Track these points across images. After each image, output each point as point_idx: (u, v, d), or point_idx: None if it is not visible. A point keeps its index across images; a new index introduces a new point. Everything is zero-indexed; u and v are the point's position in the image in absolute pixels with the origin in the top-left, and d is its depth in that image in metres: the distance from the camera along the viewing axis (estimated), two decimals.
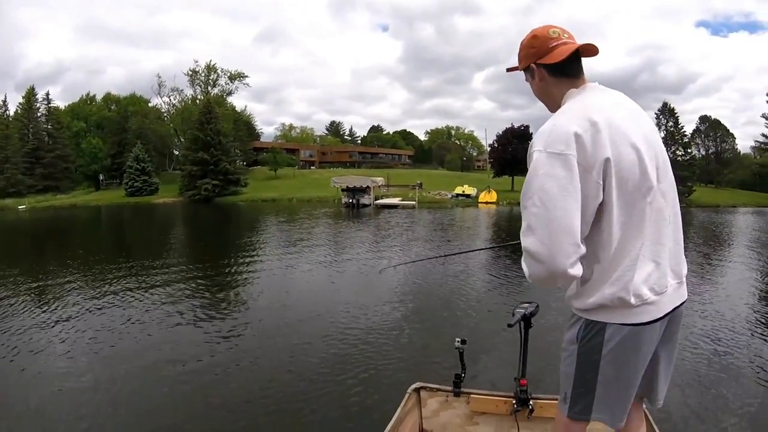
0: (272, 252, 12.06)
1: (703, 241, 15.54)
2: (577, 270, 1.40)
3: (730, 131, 60.90)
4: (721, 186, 54.26)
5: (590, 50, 1.53)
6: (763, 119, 43.83)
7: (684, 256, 1.61)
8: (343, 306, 6.61)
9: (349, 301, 6.93)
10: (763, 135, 45.34)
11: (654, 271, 1.49)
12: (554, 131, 1.41)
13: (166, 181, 48.86)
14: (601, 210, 1.42)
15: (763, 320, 6.08)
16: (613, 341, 1.51)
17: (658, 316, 1.52)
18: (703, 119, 60.48)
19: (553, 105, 1.58)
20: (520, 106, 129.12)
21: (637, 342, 1.52)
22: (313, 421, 3.54)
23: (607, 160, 1.40)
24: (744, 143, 77.36)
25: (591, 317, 1.53)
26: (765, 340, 5.26)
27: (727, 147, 60.27)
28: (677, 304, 1.57)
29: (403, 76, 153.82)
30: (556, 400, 2.34)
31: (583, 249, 1.39)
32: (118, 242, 18.22)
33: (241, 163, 50.54)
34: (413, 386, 2.59)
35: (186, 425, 3.49)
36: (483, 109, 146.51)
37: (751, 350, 4.91)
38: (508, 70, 1.72)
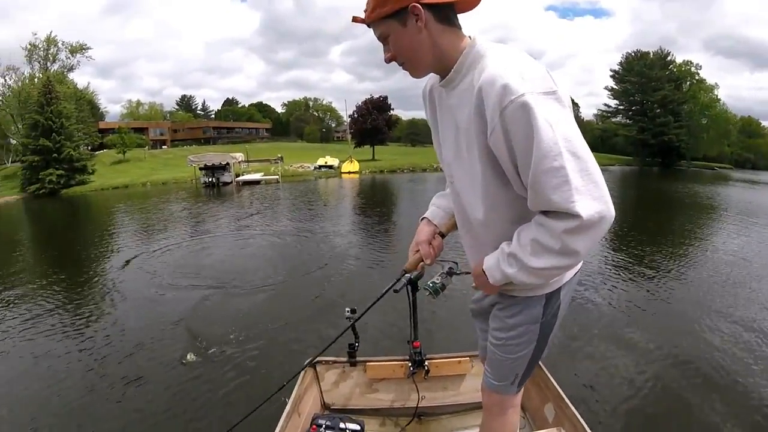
0: (135, 247, 10.54)
1: None
2: None
3: (574, 100, 69.19)
4: None
5: (469, 3, 1.21)
6: (606, 91, 52.93)
7: None
8: (226, 291, 6.28)
9: (232, 284, 6.55)
10: (605, 105, 54.59)
11: None
12: (526, 68, 1.09)
13: (5, 177, 40.24)
14: None
15: None
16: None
17: None
18: None
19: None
20: (377, 78, 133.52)
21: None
22: (212, 406, 3.46)
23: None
24: (586, 111, 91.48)
25: (554, 287, 1.32)
26: None
27: None
28: None
29: (259, 48, 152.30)
30: (450, 358, 2.49)
31: None
32: None
33: (86, 147, 43.78)
34: (308, 361, 2.53)
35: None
36: (340, 82, 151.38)
37: None
38: (355, 19, 1.20)
